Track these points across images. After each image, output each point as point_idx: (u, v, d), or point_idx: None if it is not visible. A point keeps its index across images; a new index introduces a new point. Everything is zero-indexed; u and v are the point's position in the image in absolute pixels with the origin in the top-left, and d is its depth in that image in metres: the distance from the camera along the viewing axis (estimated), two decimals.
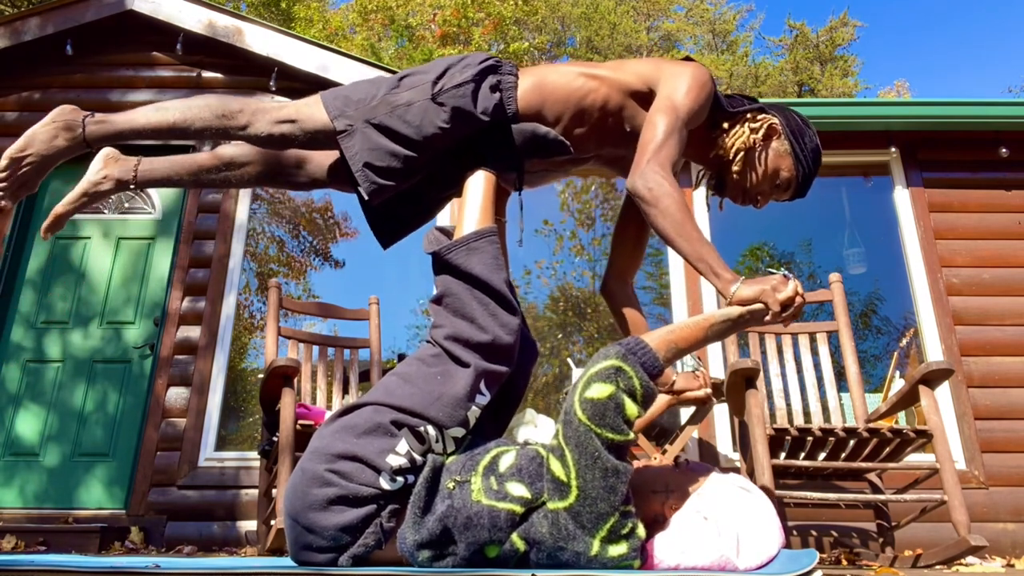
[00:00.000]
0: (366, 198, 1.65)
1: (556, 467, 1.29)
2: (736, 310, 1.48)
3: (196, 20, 4.84)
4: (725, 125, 1.76)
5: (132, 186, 1.77)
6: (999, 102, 4.61)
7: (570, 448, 1.28)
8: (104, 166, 1.76)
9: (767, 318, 1.47)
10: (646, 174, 1.56)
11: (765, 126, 1.75)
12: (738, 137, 1.74)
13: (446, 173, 1.76)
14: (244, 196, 4.67)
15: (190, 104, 1.66)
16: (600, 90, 1.70)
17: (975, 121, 4.55)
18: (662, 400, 1.87)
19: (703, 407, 1.92)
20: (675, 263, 4.47)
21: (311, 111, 1.66)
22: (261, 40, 4.79)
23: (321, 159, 1.84)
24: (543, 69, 1.75)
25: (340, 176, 1.77)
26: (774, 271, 1.50)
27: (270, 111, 1.66)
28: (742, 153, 1.74)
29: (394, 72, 4.66)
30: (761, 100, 1.84)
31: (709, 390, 1.88)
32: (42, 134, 1.66)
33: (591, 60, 20.15)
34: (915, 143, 4.61)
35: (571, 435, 1.29)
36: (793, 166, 1.75)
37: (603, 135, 1.74)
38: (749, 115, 1.76)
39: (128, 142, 1.70)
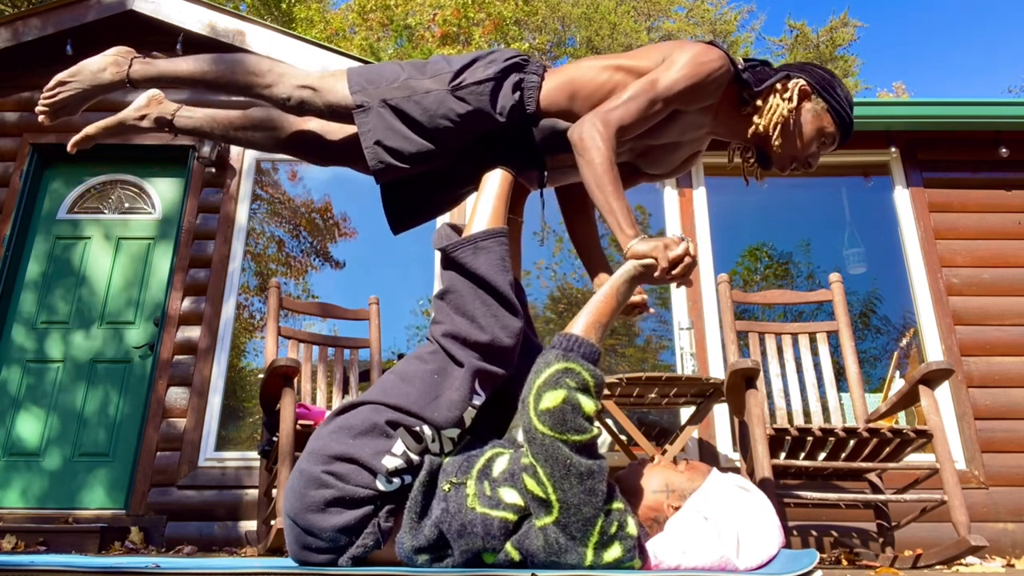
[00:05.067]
0: (373, 175, 1.66)
1: (532, 485, 1.28)
2: (630, 265, 1.50)
3: (196, 21, 4.84)
4: (759, 102, 1.74)
5: (167, 128, 1.85)
6: (999, 102, 4.60)
7: (540, 463, 1.28)
8: (147, 105, 1.85)
9: (656, 274, 1.49)
10: (583, 125, 1.59)
11: (796, 91, 1.72)
12: (774, 112, 1.71)
13: (464, 170, 1.75)
14: (244, 197, 4.67)
15: (224, 59, 1.74)
16: (626, 82, 1.67)
17: (975, 121, 4.54)
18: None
19: (640, 314, 1.90)
20: None
21: (333, 83, 1.68)
22: (262, 41, 4.79)
23: (342, 136, 1.83)
24: (570, 67, 1.74)
25: (356, 155, 1.77)
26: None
27: (295, 76, 1.70)
28: (781, 125, 1.72)
29: None
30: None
31: (646, 296, 1.89)
32: (92, 64, 1.75)
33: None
34: (915, 143, 4.61)
35: (538, 451, 1.28)
36: (833, 120, 1.74)
37: None
38: (778, 85, 1.73)
39: (166, 87, 1.79)
